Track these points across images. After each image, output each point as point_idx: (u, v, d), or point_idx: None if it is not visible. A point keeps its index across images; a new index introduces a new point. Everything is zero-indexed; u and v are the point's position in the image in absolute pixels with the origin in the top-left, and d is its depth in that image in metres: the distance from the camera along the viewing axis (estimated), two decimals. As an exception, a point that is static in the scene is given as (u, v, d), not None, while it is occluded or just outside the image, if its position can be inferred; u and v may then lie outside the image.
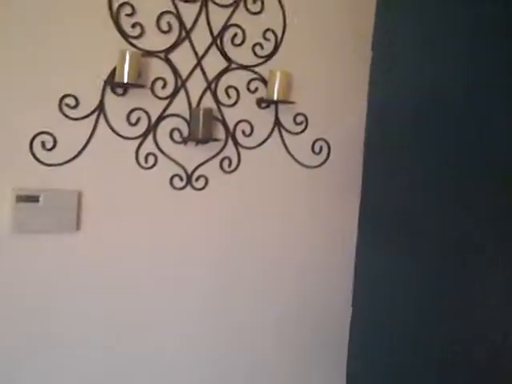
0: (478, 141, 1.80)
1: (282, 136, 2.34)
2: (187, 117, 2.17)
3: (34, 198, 1.96)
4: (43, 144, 1.98)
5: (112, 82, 2.03)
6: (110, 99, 2.05)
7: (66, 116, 1.99)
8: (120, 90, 2.06)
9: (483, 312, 1.68)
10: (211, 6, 2.16)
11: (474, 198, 1.81)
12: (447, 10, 1.93)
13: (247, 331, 2.39)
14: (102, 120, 2.05)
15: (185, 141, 2.17)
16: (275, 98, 2.23)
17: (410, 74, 2.12)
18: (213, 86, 2.21)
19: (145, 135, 2.11)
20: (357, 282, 2.25)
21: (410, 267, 2.01)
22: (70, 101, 1.99)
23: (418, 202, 2.04)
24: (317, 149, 2.42)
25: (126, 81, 1.97)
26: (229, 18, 2.20)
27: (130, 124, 2.09)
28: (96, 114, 2.04)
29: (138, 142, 2.11)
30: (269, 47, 2.28)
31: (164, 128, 2.14)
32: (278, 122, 2.33)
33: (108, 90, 2.04)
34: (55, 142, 1.99)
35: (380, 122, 2.25)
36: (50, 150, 1.99)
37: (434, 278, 1.89)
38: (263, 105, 2.30)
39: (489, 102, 1.77)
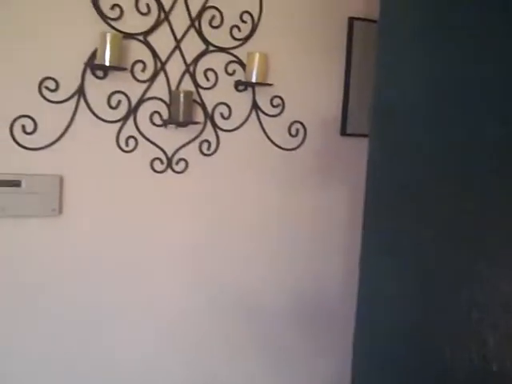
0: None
1: (259, 118, 2.36)
2: (167, 100, 2.16)
3: (15, 183, 1.94)
4: (23, 128, 1.95)
5: (92, 65, 2.01)
6: (91, 82, 2.04)
7: (46, 99, 1.98)
8: (100, 73, 2.04)
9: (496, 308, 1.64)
10: (189, -13, 2.16)
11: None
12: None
13: (230, 317, 2.41)
14: (82, 103, 2.03)
15: (165, 124, 2.17)
16: (254, 79, 2.24)
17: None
18: (191, 68, 2.21)
19: (125, 118, 2.11)
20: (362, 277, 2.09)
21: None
22: (50, 84, 1.98)
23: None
24: (293, 131, 2.44)
25: (107, 63, 1.96)
26: (206, 0, 2.20)
27: (111, 107, 2.08)
28: (76, 97, 2.02)
29: (118, 125, 2.10)
30: (246, 29, 2.29)
31: (144, 111, 2.14)
32: (255, 105, 2.35)
33: (88, 72, 2.03)
34: (35, 125, 1.97)
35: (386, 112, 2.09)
36: (30, 133, 1.97)
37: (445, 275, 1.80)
38: (241, 87, 2.31)
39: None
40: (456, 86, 1.65)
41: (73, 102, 2.01)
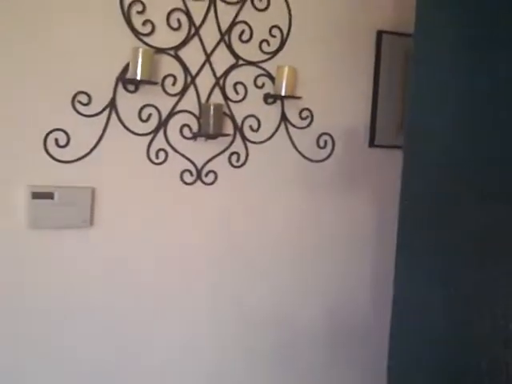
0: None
1: (288, 131, 2.38)
2: (197, 113, 2.19)
3: (48, 195, 1.99)
4: (57, 141, 2.00)
5: (124, 79, 2.05)
6: (122, 96, 2.07)
7: (79, 113, 2.02)
8: (131, 87, 2.08)
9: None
10: (219, 3, 2.19)
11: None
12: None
13: (255, 325, 2.43)
14: (113, 117, 2.07)
15: (195, 136, 2.20)
16: (283, 93, 2.26)
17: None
18: (221, 81, 2.24)
19: (156, 131, 2.14)
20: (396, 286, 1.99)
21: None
22: (83, 98, 2.02)
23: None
24: (321, 143, 2.45)
25: (139, 78, 2.00)
26: (236, 15, 2.23)
27: (141, 120, 2.11)
28: (108, 110, 2.06)
29: (149, 138, 2.14)
30: (275, 43, 2.31)
31: (174, 124, 2.17)
32: (284, 117, 2.37)
33: (120, 86, 2.07)
34: (68, 138, 2.01)
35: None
36: (63, 146, 2.01)
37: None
38: (270, 100, 2.33)
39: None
40: (497, 102, 1.62)
41: (104, 115, 2.05)
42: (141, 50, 1.98)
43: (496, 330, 1.64)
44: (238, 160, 2.30)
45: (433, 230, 1.87)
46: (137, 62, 1.98)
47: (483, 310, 1.69)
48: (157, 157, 2.16)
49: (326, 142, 2.46)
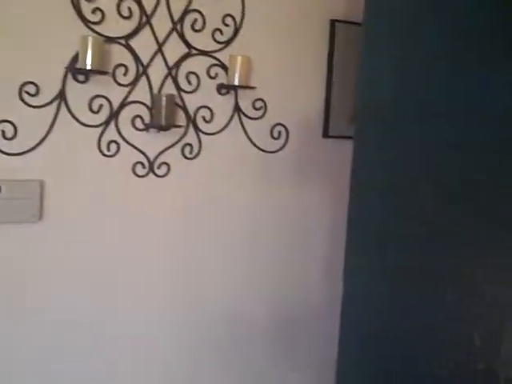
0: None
1: (241, 121, 2.36)
2: (149, 103, 2.15)
3: (-5, 189, 1.92)
4: (3, 133, 1.93)
5: (73, 69, 1.99)
6: (72, 86, 2.02)
7: (27, 104, 1.95)
8: (81, 77, 2.02)
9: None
10: (171, -10, 2.14)
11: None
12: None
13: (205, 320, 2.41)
14: (63, 108, 2.02)
15: (147, 128, 2.16)
16: (236, 83, 2.24)
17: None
18: (173, 72, 2.20)
19: (107, 123, 2.09)
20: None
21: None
22: (31, 88, 1.95)
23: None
24: (275, 134, 2.44)
25: (89, 67, 1.94)
26: (188, 4, 2.19)
27: (92, 111, 2.06)
28: (57, 101, 2.00)
29: (100, 129, 2.09)
30: (228, 33, 2.28)
31: (126, 115, 2.12)
32: (237, 108, 2.34)
33: (69, 76, 2.01)
34: (16, 130, 1.95)
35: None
36: (10, 139, 1.95)
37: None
38: (223, 91, 2.30)
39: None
40: (440, 87, 1.63)
41: (54, 106, 2.00)
42: (90, 39, 1.93)
43: (445, 316, 1.65)
44: (191, 152, 2.27)
45: (380, 218, 1.87)
46: (86, 51, 1.93)
47: (431, 296, 1.69)
48: (108, 149, 2.11)
49: (280, 132, 2.45)
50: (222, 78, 2.28)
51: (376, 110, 1.87)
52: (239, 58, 2.22)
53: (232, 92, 2.31)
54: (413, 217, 1.73)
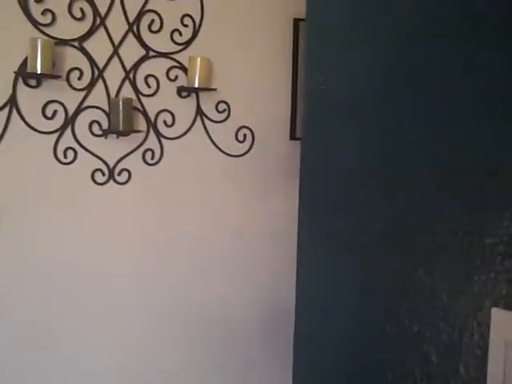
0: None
1: (204, 125, 2.28)
2: (106, 108, 2.07)
3: None
4: (-49, 142, 1.84)
5: (24, 74, 1.90)
6: (23, 92, 1.94)
7: (-24, 111, 1.86)
8: (33, 82, 1.94)
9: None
10: (125, -10, 2.07)
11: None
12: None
13: (172, 328, 2.32)
14: (14, 114, 1.94)
15: (105, 133, 2.07)
16: (196, 84, 2.16)
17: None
18: (131, 75, 2.12)
19: (62, 129, 2.01)
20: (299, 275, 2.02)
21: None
22: (-21, 95, 1.86)
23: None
24: (241, 137, 2.36)
25: (39, 71, 1.86)
26: (144, 4, 2.11)
27: (46, 117, 1.98)
28: (8, 107, 1.92)
29: (55, 136, 2.01)
30: (187, 33, 2.21)
31: (82, 121, 2.05)
32: (199, 111, 2.26)
33: (20, 81, 1.93)
34: (-35, 139, 1.85)
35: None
36: (-41, 148, 1.85)
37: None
38: (184, 93, 2.23)
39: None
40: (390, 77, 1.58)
41: (4, 113, 1.92)
42: (39, 41, 1.84)
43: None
44: (152, 157, 2.19)
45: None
46: (36, 55, 1.85)
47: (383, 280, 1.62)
48: (65, 156, 2.03)
49: (245, 135, 2.38)
50: (183, 81, 2.21)
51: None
52: (199, 60, 2.15)
53: (193, 95, 2.24)
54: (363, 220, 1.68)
